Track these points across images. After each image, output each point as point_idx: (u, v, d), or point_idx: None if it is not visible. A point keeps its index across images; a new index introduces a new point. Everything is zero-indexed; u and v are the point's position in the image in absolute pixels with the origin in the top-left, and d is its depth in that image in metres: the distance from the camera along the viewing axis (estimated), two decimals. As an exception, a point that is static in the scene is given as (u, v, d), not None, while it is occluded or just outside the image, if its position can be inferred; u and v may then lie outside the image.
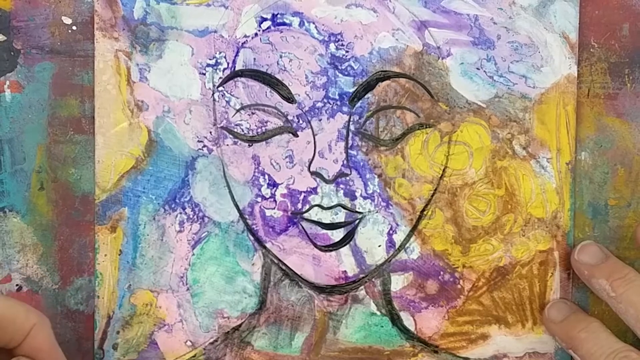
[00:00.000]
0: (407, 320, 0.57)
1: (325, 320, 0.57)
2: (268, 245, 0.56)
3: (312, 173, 0.56)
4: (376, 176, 0.56)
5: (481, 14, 0.56)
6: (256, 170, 0.56)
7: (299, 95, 0.55)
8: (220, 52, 0.55)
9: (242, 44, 0.55)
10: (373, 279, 0.57)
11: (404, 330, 0.57)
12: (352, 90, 0.55)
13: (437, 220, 0.57)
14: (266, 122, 0.55)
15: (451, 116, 0.56)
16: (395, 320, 0.57)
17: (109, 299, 0.56)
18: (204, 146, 0.56)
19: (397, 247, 0.57)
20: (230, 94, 0.56)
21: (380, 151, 0.56)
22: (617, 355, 0.50)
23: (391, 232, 0.56)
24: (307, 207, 0.56)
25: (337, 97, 0.55)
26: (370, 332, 0.57)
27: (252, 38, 0.55)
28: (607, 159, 0.57)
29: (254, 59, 0.55)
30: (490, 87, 0.56)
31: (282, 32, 0.55)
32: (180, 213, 0.56)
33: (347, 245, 0.56)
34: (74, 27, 0.56)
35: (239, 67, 0.55)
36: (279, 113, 0.55)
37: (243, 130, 0.56)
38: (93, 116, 0.55)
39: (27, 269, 0.56)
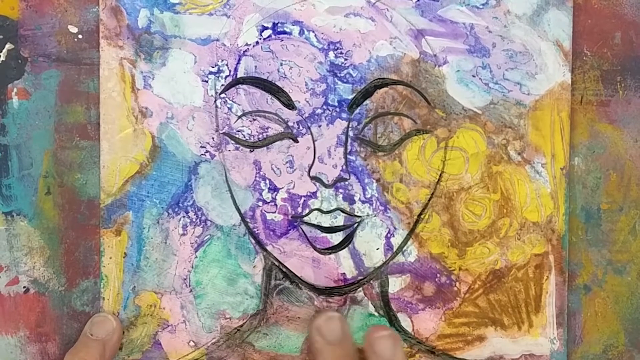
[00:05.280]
0: (405, 322, 0.57)
1: (325, 321, 0.57)
2: (269, 248, 0.57)
3: (312, 178, 0.56)
4: (374, 181, 0.57)
5: (477, 22, 0.56)
6: (257, 175, 0.56)
7: (299, 102, 0.56)
8: (222, 60, 0.56)
9: (244, 52, 0.56)
10: (371, 281, 0.57)
11: (401, 331, 0.57)
12: (350, 97, 0.56)
13: (434, 223, 0.57)
14: (267, 128, 0.56)
15: (447, 122, 0.57)
16: (393, 321, 0.57)
17: (114, 300, 0.56)
18: (207, 152, 0.56)
19: (394, 250, 0.57)
20: (232, 101, 0.56)
21: (378, 156, 0.56)
22: None
23: (389, 235, 0.57)
24: (307, 211, 0.56)
25: (336, 103, 0.56)
26: (369, 332, 0.57)
27: (254, 46, 0.56)
28: (599, 165, 0.58)
29: (255, 66, 0.56)
30: (486, 94, 0.56)
31: (282, 40, 0.56)
32: (184, 217, 0.56)
33: (346, 248, 0.57)
34: (80, 36, 0.56)
35: (240, 74, 0.56)
36: (280, 119, 0.56)
37: (244, 136, 0.56)
38: (98, 122, 0.56)
39: (34, 272, 0.56)
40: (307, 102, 0.56)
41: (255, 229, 0.57)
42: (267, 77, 0.56)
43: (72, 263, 0.57)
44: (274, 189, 0.56)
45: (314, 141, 0.56)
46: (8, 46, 0.56)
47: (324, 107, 0.56)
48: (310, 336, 0.55)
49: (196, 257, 0.57)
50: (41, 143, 0.56)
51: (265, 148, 0.56)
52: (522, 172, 0.57)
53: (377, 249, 0.57)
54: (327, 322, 0.54)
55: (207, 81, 0.56)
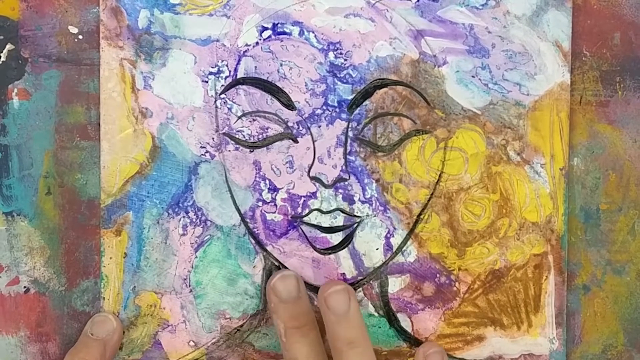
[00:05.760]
0: (404, 322, 0.57)
1: (325, 321, 0.57)
2: (269, 248, 0.57)
3: (312, 178, 0.56)
4: (374, 181, 0.57)
5: (476, 23, 0.56)
6: (257, 175, 0.56)
7: (298, 102, 0.56)
8: (222, 61, 0.56)
9: (244, 52, 0.56)
10: (371, 281, 0.57)
11: (401, 331, 0.57)
12: (350, 97, 0.56)
13: (434, 224, 0.57)
14: (267, 129, 0.56)
15: (447, 123, 0.57)
16: (393, 321, 0.57)
17: (114, 300, 0.56)
18: (207, 152, 0.56)
19: (394, 250, 0.57)
20: (232, 101, 0.56)
21: (378, 157, 0.57)
22: None
23: (389, 235, 0.57)
24: (307, 211, 0.56)
25: (336, 104, 0.56)
26: (369, 332, 0.56)
27: (253, 47, 0.56)
28: (598, 165, 0.58)
29: (255, 67, 0.56)
30: (485, 94, 0.57)
31: (282, 41, 0.56)
32: (184, 217, 0.56)
33: (346, 249, 0.57)
34: (80, 37, 0.56)
35: (240, 75, 0.56)
36: (280, 120, 0.56)
37: (244, 137, 0.56)
38: (99, 123, 0.56)
39: (35, 272, 0.56)
40: (307, 102, 0.56)
41: (255, 229, 0.57)
42: (267, 77, 0.56)
43: (72, 263, 0.57)
44: (273, 189, 0.56)
45: (313, 141, 0.56)
46: (8, 47, 0.56)
47: (324, 107, 0.56)
48: (267, 295, 0.55)
49: (196, 257, 0.57)
50: (41, 143, 0.56)
51: (265, 148, 0.56)
52: (522, 173, 0.57)
53: (377, 249, 0.57)
54: (282, 281, 0.54)
55: (207, 82, 0.56)
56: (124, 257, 0.56)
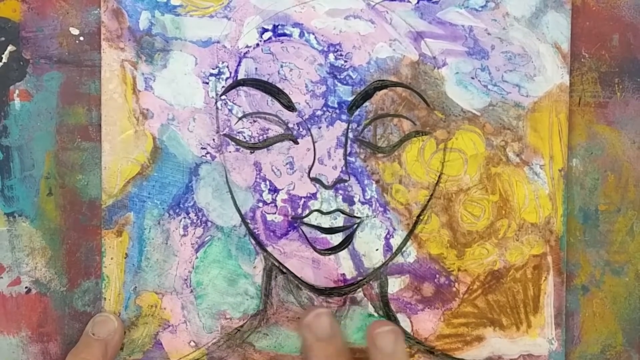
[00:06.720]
0: (404, 322, 0.57)
1: (325, 322, 0.57)
2: (269, 248, 0.57)
3: (312, 179, 0.56)
4: (374, 182, 0.57)
5: (476, 25, 0.57)
6: (258, 176, 0.57)
7: (299, 103, 0.56)
8: (223, 62, 0.56)
9: (244, 54, 0.56)
10: (371, 282, 0.57)
11: (400, 332, 0.58)
12: (350, 98, 0.56)
13: (433, 225, 0.57)
14: (267, 130, 0.56)
15: (447, 124, 0.57)
16: (392, 321, 0.57)
17: (115, 300, 0.56)
18: (207, 153, 0.56)
19: (394, 250, 0.57)
20: (233, 103, 0.56)
21: (378, 158, 0.57)
22: None
23: (388, 236, 0.57)
24: (307, 212, 0.56)
25: (336, 105, 0.56)
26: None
27: (254, 48, 0.56)
28: (597, 166, 0.58)
29: (256, 68, 0.56)
30: (485, 95, 0.57)
31: (282, 42, 0.56)
32: (184, 218, 0.56)
33: (346, 249, 0.57)
34: (82, 38, 0.56)
35: (241, 76, 0.56)
36: (280, 121, 0.56)
37: (245, 138, 0.56)
38: (100, 124, 0.56)
39: (36, 272, 0.57)
40: (307, 103, 0.56)
41: (255, 230, 0.57)
42: (268, 78, 0.56)
43: (73, 263, 0.57)
44: (274, 190, 0.57)
45: (314, 143, 0.56)
46: (10, 48, 0.56)
47: (324, 108, 0.56)
48: (300, 333, 0.55)
49: (197, 257, 0.57)
50: (43, 144, 0.56)
51: (265, 149, 0.56)
52: (521, 174, 0.57)
53: (377, 249, 0.57)
54: (316, 319, 0.54)
55: (207, 83, 0.56)
56: (125, 258, 0.57)
